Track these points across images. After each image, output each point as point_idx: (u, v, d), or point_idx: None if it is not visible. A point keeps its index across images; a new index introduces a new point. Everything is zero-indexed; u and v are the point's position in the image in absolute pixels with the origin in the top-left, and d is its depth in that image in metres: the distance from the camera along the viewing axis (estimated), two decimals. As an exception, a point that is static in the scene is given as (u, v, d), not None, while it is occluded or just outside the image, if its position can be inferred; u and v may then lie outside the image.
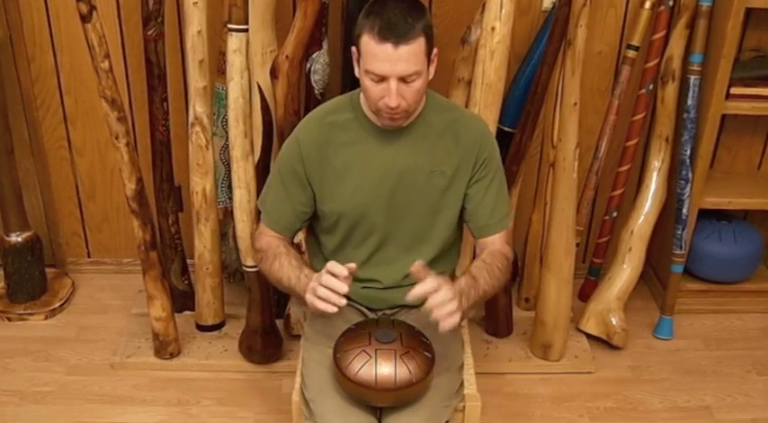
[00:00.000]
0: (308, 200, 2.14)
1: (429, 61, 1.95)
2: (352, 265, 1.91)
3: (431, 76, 1.99)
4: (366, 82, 1.94)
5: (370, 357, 1.92)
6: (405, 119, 2.01)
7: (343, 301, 1.87)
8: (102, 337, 3.03)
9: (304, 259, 2.20)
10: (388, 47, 1.86)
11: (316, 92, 2.68)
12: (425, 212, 2.13)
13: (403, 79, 1.90)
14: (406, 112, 1.98)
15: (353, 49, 1.98)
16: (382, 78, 1.90)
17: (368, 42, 1.88)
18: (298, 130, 2.15)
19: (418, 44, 1.88)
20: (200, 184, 2.73)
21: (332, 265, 1.89)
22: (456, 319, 1.86)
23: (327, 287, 1.87)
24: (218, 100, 2.82)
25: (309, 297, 1.92)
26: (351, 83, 2.63)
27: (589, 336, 3.06)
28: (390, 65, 1.87)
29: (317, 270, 2.28)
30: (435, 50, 1.97)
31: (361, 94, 2.08)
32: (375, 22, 1.86)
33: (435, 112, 2.10)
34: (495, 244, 2.18)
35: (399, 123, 2.01)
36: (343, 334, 2.02)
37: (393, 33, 1.85)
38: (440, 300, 1.84)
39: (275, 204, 2.17)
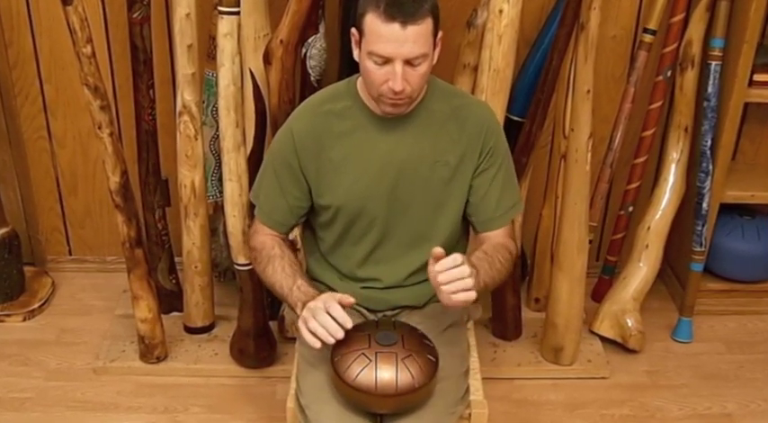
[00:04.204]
0: (304, 194, 2.14)
1: (434, 44, 1.95)
2: (351, 300, 1.96)
3: (434, 62, 1.99)
4: (368, 65, 1.93)
5: (370, 361, 1.92)
6: (407, 105, 2.01)
7: (332, 341, 1.91)
8: (84, 340, 3.04)
9: (299, 264, 2.20)
10: (396, 26, 1.85)
11: (312, 79, 2.68)
12: (428, 206, 2.14)
13: (409, 62, 1.90)
14: (410, 98, 1.98)
15: (353, 30, 1.97)
16: (387, 60, 1.90)
17: (373, 21, 1.88)
18: (291, 119, 2.15)
19: (426, 25, 1.89)
20: (188, 176, 2.73)
21: (336, 311, 1.91)
22: (471, 295, 1.87)
23: (323, 326, 1.91)
24: (207, 87, 2.82)
25: (300, 325, 1.95)
26: (349, 69, 2.63)
27: (603, 338, 3.07)
28: (397, 46, 1.87)
29: (313, 270, 2.30)
30: (440, 34, 1.97)
31: (359, 81, 2.09)
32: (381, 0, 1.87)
33: (438, 98, 2.11)
34: (498, 237, 2.18)
35: (402, 110, 2.01)
36: (340, 336, 2.02)
37: (401, 12, 1.85)
38: (459, 273, 1.86)
39: (269, 199, 2.17)
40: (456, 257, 1.87)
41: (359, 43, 1.96)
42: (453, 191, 2.13)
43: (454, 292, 1.85)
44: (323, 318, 1.91)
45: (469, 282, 1.87)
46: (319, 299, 1.95)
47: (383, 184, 2.09)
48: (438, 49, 1.99)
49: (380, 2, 1.86)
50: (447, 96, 2.13)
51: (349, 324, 1.91)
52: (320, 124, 2.09)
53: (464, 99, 2.19)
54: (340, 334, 1.90)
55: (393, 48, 1.88)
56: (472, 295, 1.87)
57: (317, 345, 1.91)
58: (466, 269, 1.87)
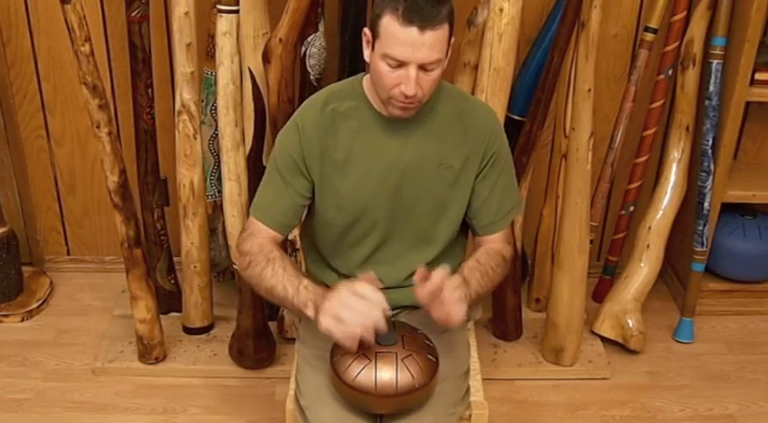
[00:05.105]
0: (308, 191, 2.13)
1: (447, 50, 1.95)
2: (372, 275, 1.93)
3: (445, 66, 1.98)
4: (381, 67, 1.92)
5: (370, 361, 1.92)
6: (415, 109, 2.00)
7: (372, 333, 1.86)
8: (82, 341, 3.04)
9: (300, 269, 2.18)
10: (413, 31, 1.84)
11: (311, 77, 2.68)
12: (431, 208, 2.13)
13: (423, 67, 1.89)
14: (420, 103, 1.97)
15: (366, 30, 1.96)
16: (401, 64, 1.89)
17: (390, 24, 1.86)
18: (297, 116, 2.13)
19: (443, 31, 1.88)
20: (187, 176, 2.73)
21: (366, 290, 1.86)
22: (463, 308, 1.92)
23: (360, 313, 1.85)
24: (206, 86, 2.81)
25: (330, 324, 1.87)
26: (349, 68, 2.63)
27: (604, 339, 3.06)
28: (413, 50, 1.86)
29: (311, 270, 2.29)
30: (453, 39, 1.97)
31: (364, 81, 2.08)
32: (399, 2, 1.85)
33: (443, 101, 2.10)
34: (495, 242, 2.19)
35: (409, 114, 2.00)
36: (340, 336, 2.02)
37: (419, 17, 1.84)
38: (450, 286, 1.89)
39: (271, 198, 2.14)
40: (438, 275, 1.90)
41: (371, 44, 1.95)
42: (456, 194, 2.13)
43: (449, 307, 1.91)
44: (356, 303, 1.85)
45: (460, 291, 1.93)
46: (339, 291, 1.88)
47: (387, 186, 2.08)
48: (449, 54, 1.98)
49: (399, 5, 1.84)
50: (452, 99, 2.12)
51: (386, 306, 1.85)
52: (326, 123, 2.08)
53: (468, 102, 2.18)
54: (378, 314, 1.84)
55: (409, 52, 1.87)
56: (464, 309, 1.93)
57: (356, 346, 1.86)
58: (453, 280, 1.92)
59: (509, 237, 2.24)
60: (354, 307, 1.85)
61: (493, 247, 2.18)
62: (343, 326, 1.85)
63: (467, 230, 2.30)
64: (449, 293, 1.89)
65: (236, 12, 2.49)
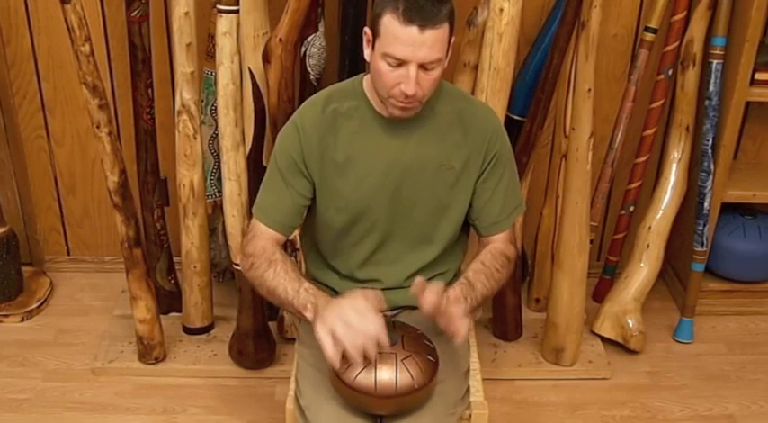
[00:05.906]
0: (308, 192, 2.12)
1: (447, 50, 1.95)
2: (381, 300, 1.92)
3: (445, 66, 1.98)
4: (381, 66, 1.92)
5: (370, 362, 1.92)
6: (416, 109, 2.00)
7: (360, 361, 1.85)
8: (82, 341, 3.04)
9: (302, 270, 2.18)
10: (414, 30, 1.84)
11: (311, 77, 2.68)
12: (431, 209, 2.13)
13: (423, 66, 1.89)
14: (420, 103, 1.97)
15: (366, 29, 1.96)
16: (401, 63, 1.89)
17: (390, 23, 1.86)
18: (297, 116, 2.13)
19: (443, 30, 1.88)
20: (187, 176, 2.73)
21: (375, 324, 1.84)
22: (466, 322, 1.91)
23: (358, 336, 1.83)
24: (206, 86, 2.81)
25: (322, 332, 1.85)
26: (349, 68, 2.63)
27: (604, 339, 3.06)
28: (413, 49, 1.86)
29: (311, 271, 2.29)
30: (453, 39, 1.96)
31: (365, 81, 2.08)
32: (399, 1, 1.85)
33: (444, 101, 2.09)
34: (498, 242, 2.19)
35: (409, 114, 2.00)
36: (340, 337, 2.01)
37: (420, 16, 1.84)
38: (451, 301, 1.89)
39: (272, 199, 2.14)
40: (437, 287, 1.89)
41: (372, 43, 1.95)
42: (457, 195, 2.13)
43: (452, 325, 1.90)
44: (353, 321, 1.83)
45: (462, 307, 1.93)
46: (348, 305, 1.87)
47: (387, 186, 2.08)
48: (450, 54, 1.98)
49: (399, 4, 1.84)
50: (453, 99, 2.12)
51: (385, 342, 1.85)
52: (326, 123, 2.08)
53: (469, 102, 2.18)
54: (372, 352, 1.84)
55: (410, 51, 1.87)
56: (466, 322, 1.92)
57: (338, 362, 1.85)
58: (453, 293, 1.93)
59: (512, 237, 2.24)
60: (351, 325, 1.84)
61: (497, 247, 2.18)
62: (333, 342, 1.84)
63: (467, 230, 2.30)
64: (449, 310, 1.89)
65: (236, 12, 2.49)
